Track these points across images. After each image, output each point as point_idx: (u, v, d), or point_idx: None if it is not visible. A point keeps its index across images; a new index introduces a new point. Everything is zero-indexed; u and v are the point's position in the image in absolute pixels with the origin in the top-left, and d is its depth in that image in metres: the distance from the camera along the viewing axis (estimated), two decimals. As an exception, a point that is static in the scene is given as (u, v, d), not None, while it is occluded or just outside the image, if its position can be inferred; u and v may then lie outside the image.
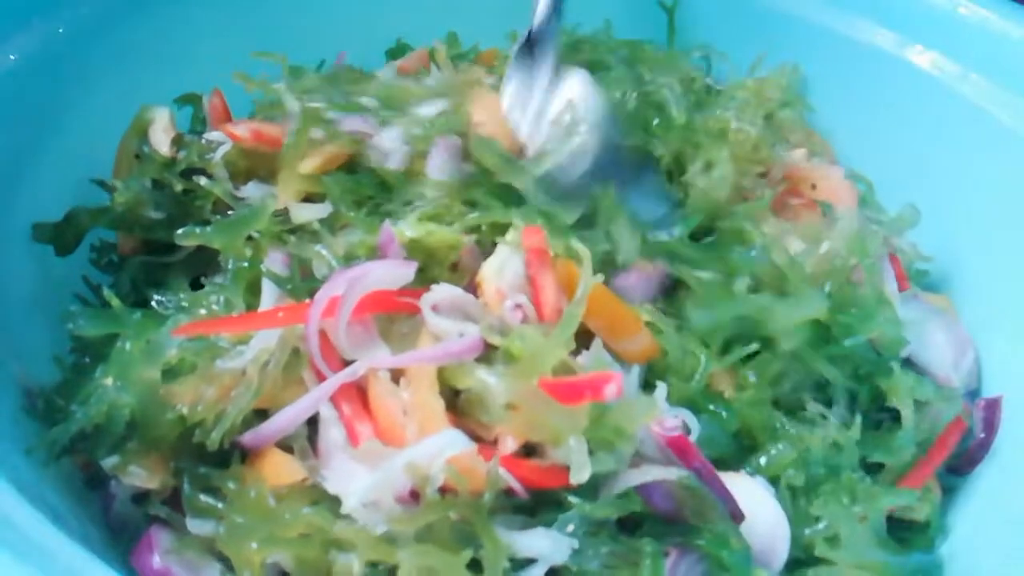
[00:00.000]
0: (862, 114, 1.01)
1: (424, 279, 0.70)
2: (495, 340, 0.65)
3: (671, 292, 0.77)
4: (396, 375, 0.67)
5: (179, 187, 0.79)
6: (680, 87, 0.87)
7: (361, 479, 0.62)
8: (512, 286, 0.69)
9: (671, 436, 0.66)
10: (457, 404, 0.66)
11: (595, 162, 0.80)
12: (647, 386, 0.70)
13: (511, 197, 0.76)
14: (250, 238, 0.75)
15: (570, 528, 0.64)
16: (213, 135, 0.81)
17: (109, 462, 0.68)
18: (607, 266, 0.74)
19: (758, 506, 0.68)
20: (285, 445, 0.68)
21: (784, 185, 0.87)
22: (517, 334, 0.65)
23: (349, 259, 0.72)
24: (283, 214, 0.76)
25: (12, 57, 0.82)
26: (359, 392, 0.67)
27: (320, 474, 0.65)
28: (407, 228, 0.72)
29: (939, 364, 0.85)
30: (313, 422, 0.67)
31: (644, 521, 0.67)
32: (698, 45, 1.06)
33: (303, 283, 0.72)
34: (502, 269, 0.69)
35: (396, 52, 1.05)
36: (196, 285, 0.77)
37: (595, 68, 0.87)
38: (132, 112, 0.83)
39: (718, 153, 0.81)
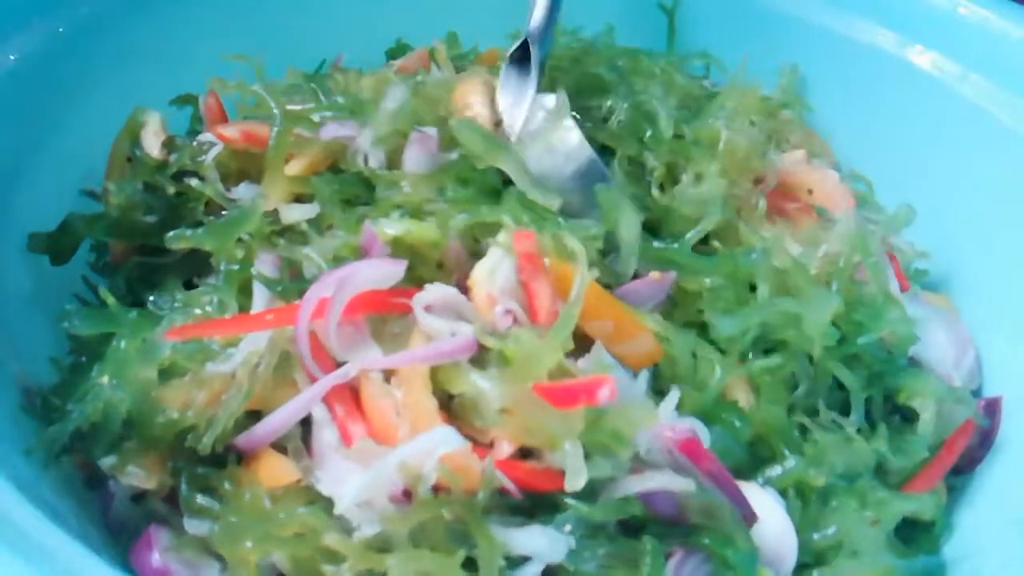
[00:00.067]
0: (862, 114, 1.01)
1: (412, 278, 0.70)
2: (489, 343, 0.65)
3: (676, 301, 0.77)
4: (388, 375, 0.67)
5: (171, 190, 0.79)
6: (674, 98, 0.87)
7: (354, 479, 0.62)
8: (504, 291, 0.68)
9: (683, 439, 0.65)
10: (451, 408, 0.66)
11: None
12: (659, 394, 0.70)
13: (490, 184, 0.75)
14: (241, 240, 0.75)
15: (567, 528, 0.63)
16: (204, 137, 0.81)
17: (107, 462, 0.68)
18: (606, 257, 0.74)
19: (767, 517, 0.68)
20: (280, 446, 0.68)
21: (779, 190, 0.87)
22: (512, 337, 0.65)
23: (337, 260, 0.72)
24: (273, 215, 0.76)
25: (12, 57, 0.82)
26: (352, 392, 0.67)
27: (314, 475, 0.65)
28: (388, 226, 0.71)
29: (940, 364, 0.84)
30: (307, 423, 0.67)
31: (646, 523, 0.66)
32: (698, 49, 1.06)
33: (293, 284, 0.72)
34: (493, 273, 0.69)
35: (396, 52, 1.05)
36: (191, 285, 0.77)
37: (591, 84, 0.86)
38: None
39: (707, 167, 0.81)
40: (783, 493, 0.71)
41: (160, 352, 0.69)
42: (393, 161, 0.77)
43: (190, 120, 0.90)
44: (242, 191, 0.78)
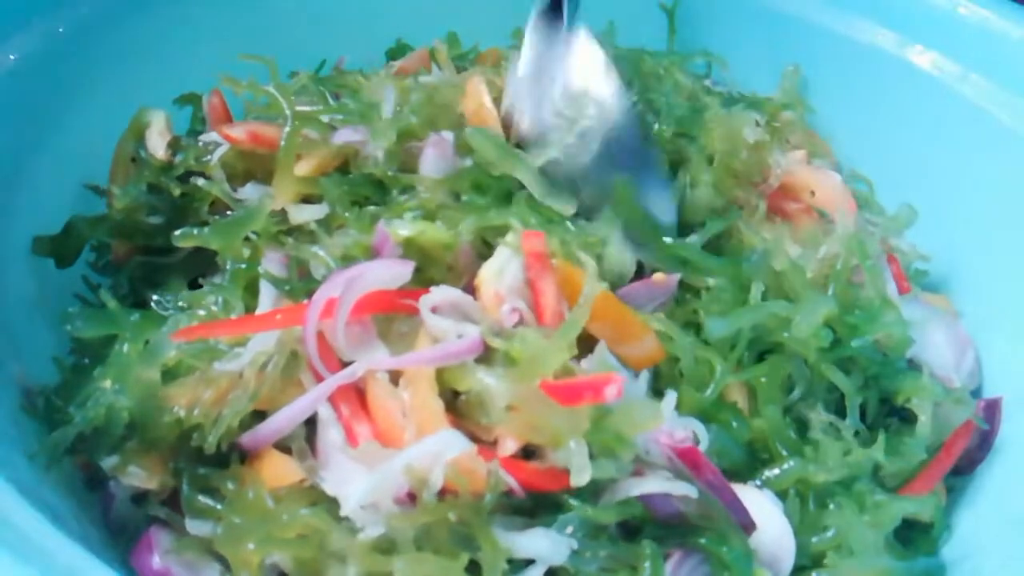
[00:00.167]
0: (862, 114, 1.01)
1: (421, 280, 0.70)
2: (496, 343, 0.65)
3: (681, 301, 0.77)
4: (395, 375, 0.67)
5: (176, 191, 0.79)
6: (679, 97, 0.87)
7: (359, 480, 0.62)
8: (511, 290, 0.68)
9: (681, 447, 0.65)
10: (456, 406, 0.66)
11: (602, 151, 0.78)
12: (658, 394, 0.70)
13: (506, 189, 0.76)
14: (247, 239, 0.75)
15: (569, 530, 0.64)
16: (210, 137, 0.81)
17: (108, 463, 0.68)
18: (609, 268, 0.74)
19: (765, 519, 0.68)
20: (284, 446, 0.68)
21: (781, 191, 0.87)
22: (519, 337, 0.65)
23: (346, 260, 0.72)
24: (280, 215, 0.76)
25: (12, 57, 0.82)
26: (357, 393, 0.67)
27: (318, 475, 0.65)
28: (401, 227, 0.72)
29: (939, 365, 0.84)
30: (312, 423, 0.68)
31: (644, 525, 0.66)
32: (699, 48, 1.06)
33: (301, 284, 0.72)
34: (501, 272, 0.69)
35: (396, 52, 1.05)
36: (194, 285, 0.77)
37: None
38: (132, 112, 0.83)
39: (700, 174, 0.81)
40: (782, 495, 0.71)
41: (164, 353, 0.69)
42: (404, 164, 0.77)
43: (191, 120, 0.90)
44: (248, 191, 0.78)
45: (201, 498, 0.67)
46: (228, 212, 0.78)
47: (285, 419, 0.67)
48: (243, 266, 0.73)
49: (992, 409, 0.83)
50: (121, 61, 0.90)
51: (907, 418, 0.80)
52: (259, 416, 0.68)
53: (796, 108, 1.00)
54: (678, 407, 0.69)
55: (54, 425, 0.70)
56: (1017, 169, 0.88)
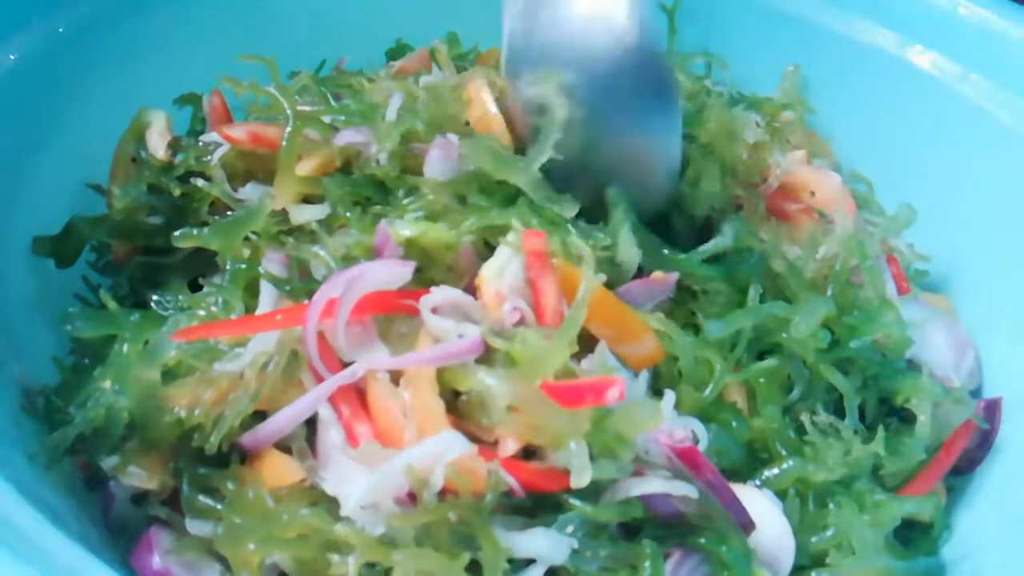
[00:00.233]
0: (862, 114, 1.01)
1: (422, 280, 0.70)
2: (496, 343, 0.65)
3: (679, 302, 0.77)
4: (396, 376, 0.67)
5: (176, 191, 0.79)
6: (681, 97, 0.86)
7: (360, 480, 0.62)
8: (512, 289, 0.68)
9: (681, 447, 0.66)
10: (457, 406, 0.66)
11: (591, 135, 0.73)
12: (657, 394, 0.70)
13: (511, 193, 0.76)
14: (248, 239, 0.75)
15: (569, 529, 0.64)
16: (210, 137, 0.81)
17: (108, 462, 0.68)
18: (611, 268, 0.74)
19: (764, 519, 0.68)
20: (284, 446, 0.68)
21: (780, 191, 0.87)
22: (519, 338, 0.65)
23: (347, 260, 0.72)
24: (281, 215, 0.76)
25: (12, 57, 0.82)
26: (358, 393, 0.67)
27: (319, 475, 0.65)
28: (403, 227, 0.72)
29: (939, 365, 0.85)
30: (312, 423, 0.68)
31: (645, 524, 0.66)
32: (699, 48, 1.06)
33: (301, 284, 0.72)
34: (502, 271, 0.69)
35: (396, 52, 1.05)
36: (195, 286, 0.77)
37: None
38: (132, 112, 0.83)
39: (702, 172, 0.81)
40: (781, 494, 0.71)
41: (164, 353, 0.69)
42: (406, 165, 0.77)
43: (191, 120, 0.90)
44: (249, 191, 0.78)
45: (201, 498, 0.67)
46: (228, 212, 0.78)
47: (285, 419, 0.67)
48: (243, 266, 0.73)
49: (992, 409, 0.83)
50: (121, 61, 0.90)
51: (907, 418, 0.80)
52: (259, 416, 0.68)
53: (796, 108, 1.00)
54: (677, 407, 0.69)
55: (54, 425, 0.70)
56: (1017, 169, 0.89)
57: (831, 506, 0.72)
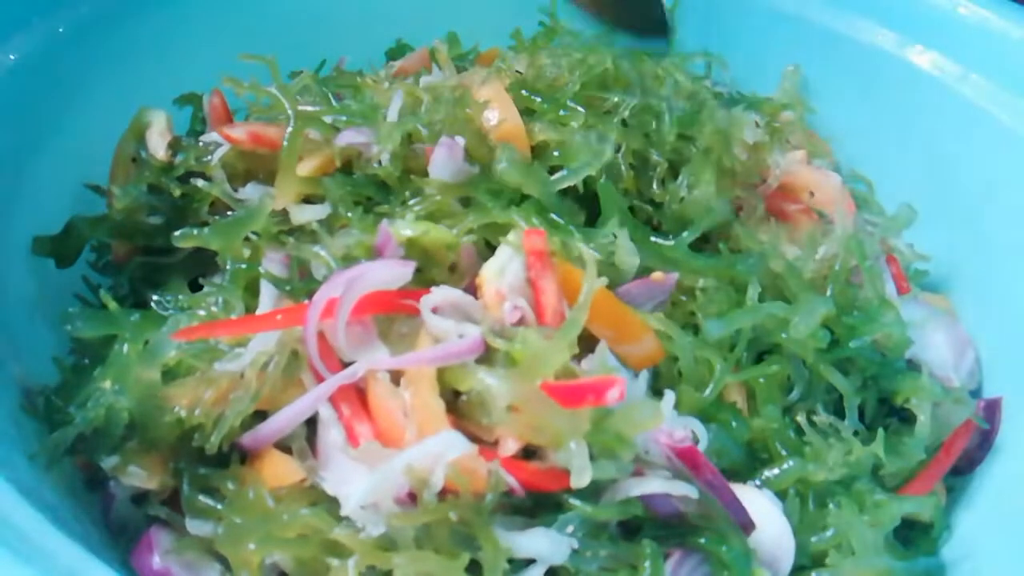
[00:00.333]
0: (862, 114, 1.01)
1: (423, 280, 0.70)
2: (497, 343, 0.65)
3: (677, 302, 0.77)
4: (396, 376, 0.67)
5: (177, 192, 0.79)
6: (681, 99, 0.87)
7: (360, 480, 0.62)
8: (512, 288, 0.68)
9: (681, 447, 0.66)
10: (457, 406, 0.66)
11: None
12: (657, 394, 0.70)
13: (514, 197, 0.76)
14: (248, 239, 0.74)
15: (569, 529, 0.64)
16: (211, 137, 0.81)
17: (109, 462, 0.68)
18: (611, 269, 0.74)
19: (764, 519, 0.68)
20: (284, 446, 0.68)
21: (780, 191, 0.87)
22: (520, 338, 0.65)
23: (347, 260, 0.72)
24: (281, 215, 0.76)
25: (12, 57, 0.82)
26: (358, 393, 0.67)
27: (319, 475, 0.65)
28: (404, 227, 0.72)
29: (939, 365, 0.85)
30: (312, 423, 0.68)
31: (644, 524, 0.66)
32: (699, 48, 1.06)
33: (302, 284, 0.72)
34: (503, 271, 0.69)
35: (396, 52, 1.05)
36: (195, 286, 0.77)
37: (597, 79, 0.86)
38: (132, 112, 0.83)
39: (700, 175, 0.81)
40: (781, 495, 0.71)
41: (164, 353, 0.69)
42: (407, 165, 0.77)
43: (191, 120, 0.90)
44: (249, 191, 0.78)
45: (201, 498, 0.67)
46: (228, 212, 0.78)
47: (286, 419, 0.67)
48: (243, 266, 0.73)
49: (992, 409, 0.83)
50: (121, 61, 0.90)
51: (906, 418, 0.81)
52: (259, 416, 0.68)
53: (796, 108, 1.00)
54: (677, 407, 0.69)
55: (54, 425, 0.70)
56: (1017, 169, 0.88)
57: (831, 506, 0.72)
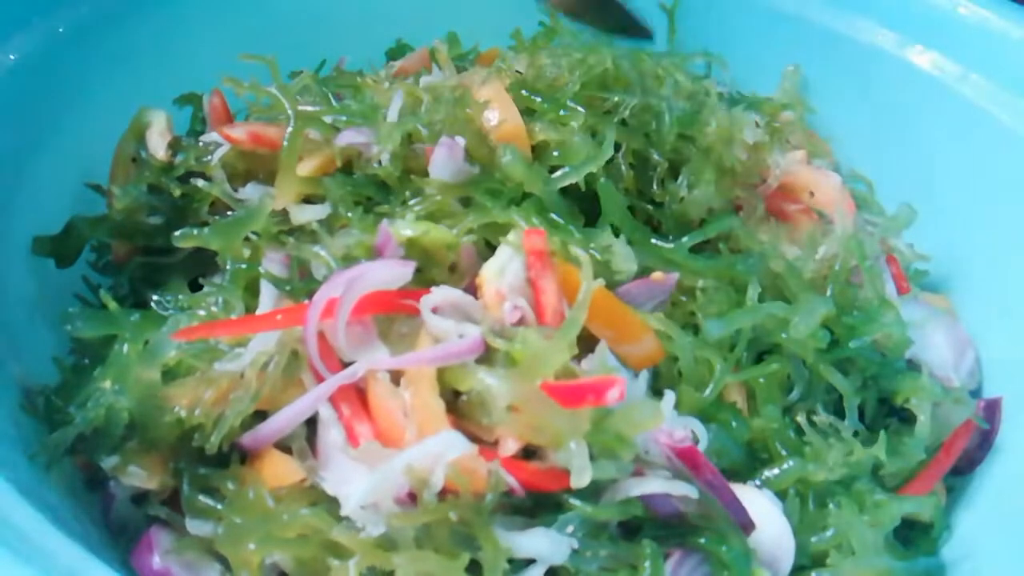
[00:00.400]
0: (862, 114, 1.01)
1: (423, 280, 0.70)
2: (497, 343, 0.65)
3: (677, 303, 0.77)
4: (396, 376, 0.67)
5: (177, 192, 0.79)
6: (681, 99, 0.87)
7: (360, 480, 0.62)
8: (512, 288, 0.68)
9: (681, 447, 0.66)
10: (458, 406, 0.66)
11: None
12: (657, 394, 0.70)
13: (515, 197, 0.76)
14: (248, 239, 0.74)
15: (569, 529, 0.64)
16: (211, 137, 0.81)
17: (109, 462, 0.68)
18: (610, 271, 0.74)
19: (764, 519, 0.68)
20: (284, 446, 0.68)
21: (780, 191, 0.87)
22: (520, 337, 0.65)
23: (347, 260, 0.72)
24: (281, 215, 0.76)
25: (12, 57, 0.82)
26: (358, 393, 0.67)
27: (319, 475, 0.65)
28: (404, 227, 0.72)
29: (939, 365, 0.85)
30: (312, 423, 0.68)
31: (644, 524, 0.66)
32: (699, 48, 1.06)
33: (302, 284, 0.72)
34: (503, 270, 0.69)
35: (396, 52, 1.05)
36: (195, 286, 0.77)
37: (597, 79, 0.86)
38: (132, 112, 0.83)
39: (700, 175, 0.81)
40: (781, 495, 0.71)
41: (164, 353, 0.69)
42: (407, 165, 0.77)
43: (191, 120, 0.90)
44: (249, 191, 0.78)
45: (201, 498, 0.67)
46: (228, 212, 0.78)
47: (286, 419, 0.67)
48: (243, 266, 0.73)
49: (992, 409, 0.83)
50: (121, 61, 0.90)
51: (906, 418, 0.80)
52: (260, 416, 0.68)
53: (796, 108, 1.00)
54: (677, 407, 0.69)
55: (54, 425, 0.70)
56: (1017, 169, 0.89)
57: (831, 506, 0.72)
